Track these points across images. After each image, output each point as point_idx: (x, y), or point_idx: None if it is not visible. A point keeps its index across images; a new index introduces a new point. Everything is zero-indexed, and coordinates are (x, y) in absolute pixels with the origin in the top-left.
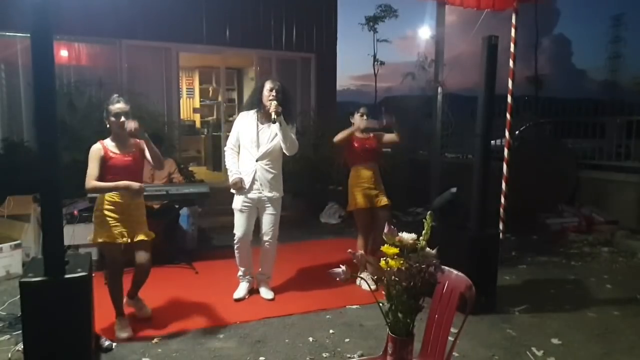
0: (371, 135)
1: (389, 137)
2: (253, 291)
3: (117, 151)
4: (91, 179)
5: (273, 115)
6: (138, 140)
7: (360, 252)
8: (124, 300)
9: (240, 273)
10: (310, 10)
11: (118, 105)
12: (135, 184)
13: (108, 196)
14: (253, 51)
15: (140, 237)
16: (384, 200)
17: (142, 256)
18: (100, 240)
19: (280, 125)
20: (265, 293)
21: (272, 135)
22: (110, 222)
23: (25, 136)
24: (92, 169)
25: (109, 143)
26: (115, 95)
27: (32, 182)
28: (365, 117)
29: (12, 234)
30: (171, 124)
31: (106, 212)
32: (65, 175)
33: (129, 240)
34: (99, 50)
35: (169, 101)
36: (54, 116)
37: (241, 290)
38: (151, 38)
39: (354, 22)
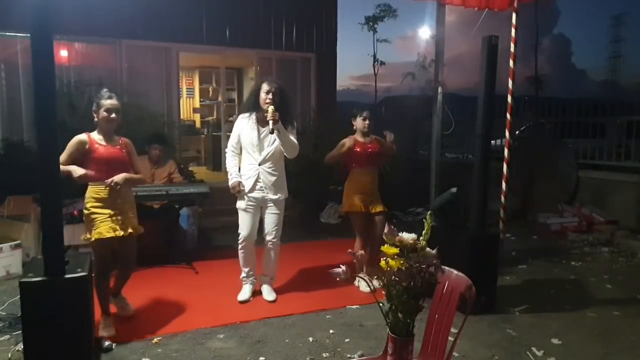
0: (373, 138)
1: (387, 146)
2: (255, 292)
3: (103, 143)
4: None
5: (270, 125)
6: (124, 139)
7: (361, 252)
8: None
9: (243, 275)
10: (310, 10)
11: (110, 101)
12: (78, 171)
13: (94, 192)
14: (253, 51)
15: (129, 230)
16: (379, 207)
17: (126, 248)
18: (89, 237)
19: (279, 132)
20: (268, 294)
21: (273, 138)
22: (98, 217)
23: (25, 136)
24: (64, 154)
25: (95, 135)
26: (106, 90)
27: (32, 182)
28: (367, 121)
29: (12, 234)
30: (171, 124)
31: (93, 209)
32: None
33: (121, 234)
34: (99, 50)
35: (169, 101)
36: (54, 116)
37: (246, 292)
38: (151, 38)
39: (354, 22)
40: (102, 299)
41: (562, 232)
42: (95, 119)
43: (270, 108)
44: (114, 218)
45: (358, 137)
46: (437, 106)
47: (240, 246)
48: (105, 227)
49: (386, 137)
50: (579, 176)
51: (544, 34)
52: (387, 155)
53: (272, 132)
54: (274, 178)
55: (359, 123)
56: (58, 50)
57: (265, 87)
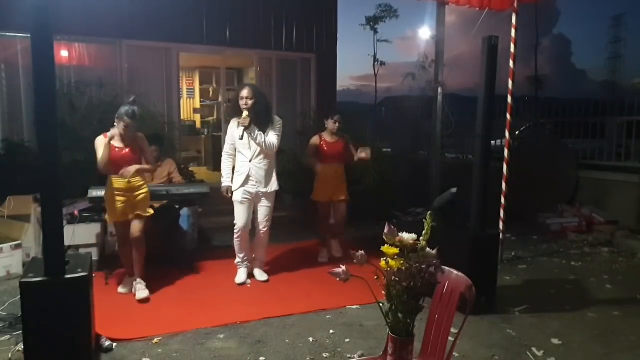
0: (339, 139)
1: (358, 155)
2: (254, 290)
3: (118, 144)
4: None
5: (241, 131)
6: (139, 134)
7: (361, 252)
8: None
9: (238, 260)
10: (310, 10)
11: (128, 120)
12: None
13: (110, 183)
14: (253, 51)
15: (137, 212)
16: (341, 196)
17: (134, 227)
18: (108, 219)
19: (251, 135)
20: (260, 275)
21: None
22: (115, 203)
23: (25, 136)
24: (104, 150)
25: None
26: (132, 100)
27: (32, 182)
28: (337, 123)
29: (12, 234)
30: (171, 124)
31: (110, 196)
32: (65, 175)
33: (128, 217)
34: (99, 50)
35: (169, 101)
36: (54, 116)
37: (241, 275)
38: (151, 38)
39: (354, 22)
40: (124, 264)
41: (562, 232)
42: (115, 124)
43: (245, 113)
44: (125, 204)
45: (326, 135)
46: (437, 106)
47: (236, 235)
48: (117, 211)
49: (361, 153)
50: (579, 176)
51: (544, 34)
52: (361, 161)
53: (240, 138)
54: (263, 172)
55: (329, 124)
56: (58, 50)
57: (240, 93)
